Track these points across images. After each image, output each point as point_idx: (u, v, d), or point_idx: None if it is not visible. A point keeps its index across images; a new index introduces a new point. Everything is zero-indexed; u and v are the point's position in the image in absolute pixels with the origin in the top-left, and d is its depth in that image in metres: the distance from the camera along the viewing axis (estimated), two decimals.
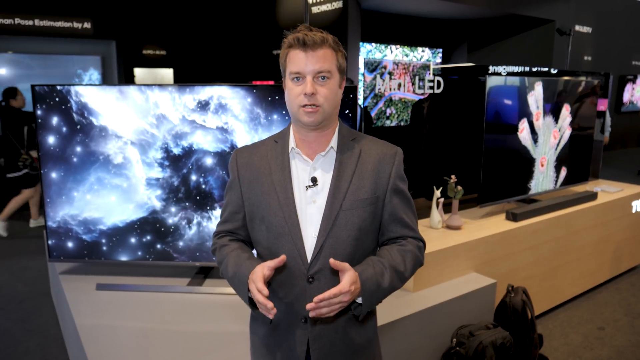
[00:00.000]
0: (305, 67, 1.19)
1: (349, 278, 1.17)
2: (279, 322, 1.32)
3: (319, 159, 1.29)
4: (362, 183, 1.28)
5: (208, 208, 2.47)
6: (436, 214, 3.00)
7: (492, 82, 3.13)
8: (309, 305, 1.16)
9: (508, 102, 3.25)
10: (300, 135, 1.30)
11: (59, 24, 7.16)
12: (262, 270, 1.19)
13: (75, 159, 2.49)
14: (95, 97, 2.43)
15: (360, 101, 3.33)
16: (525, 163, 3.43)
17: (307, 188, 1.28)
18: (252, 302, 1.27)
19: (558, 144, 3.68)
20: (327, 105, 1.23)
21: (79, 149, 2.47)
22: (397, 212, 1.33)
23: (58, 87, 2.45)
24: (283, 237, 1.27)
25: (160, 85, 2.40)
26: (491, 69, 3.86)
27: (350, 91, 2.37)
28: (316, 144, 1.29)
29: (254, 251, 1.41)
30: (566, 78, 3.83)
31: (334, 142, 1.30)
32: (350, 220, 1.26)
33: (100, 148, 2.46)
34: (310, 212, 1.27)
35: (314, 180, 1.27)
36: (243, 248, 1.36)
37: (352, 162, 1.29)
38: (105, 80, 7.78)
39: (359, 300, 1.23)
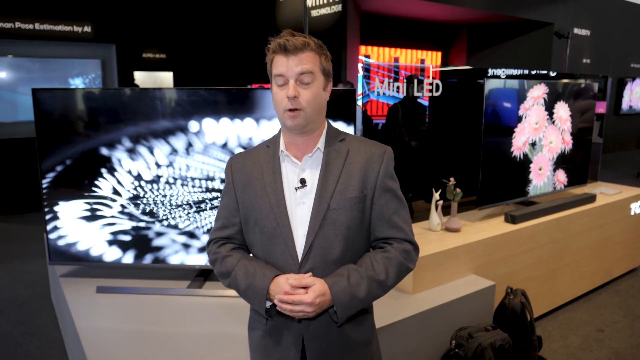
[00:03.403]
0: (287, 70, 1.22)
1: (314, 292, 1.22)
2: (275, 323, 1.34)
3: (307, 160, 1.31)
4: (350, 182, 1.30)
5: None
6: (435, 217, 3.01)
7: (490, 85, 3.14)
8: (276, 299, 1.23)
9: (506, 104, 3.27)
10: (288, 138, 1.33)
11: (59, 27, 7.17)
12: (286, 282, 1.24)
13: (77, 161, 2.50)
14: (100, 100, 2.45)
15: (360, 103, 3.35)
16: (523, 165, 3.44)
17: (296, 189, 1.30)
18: (268, 311, 1.31)
19: (557, 147, 3.69)
20: (309, 109, 1.25)
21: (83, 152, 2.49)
22: (386, 211, 1.33)
23: (58, 90, 2.46)
24: (275, 238, 1.29)
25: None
26: (490, 71, 3.88)
27: (349, 94, 2.38)
28: (304, 146, 1.32)
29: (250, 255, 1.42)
30: (565, 81, 3.85)
31: (320, 143, 1.32)
32: (339, 219, 1.28)
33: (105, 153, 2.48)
34: (300, 212, 1.29)
35: (303, 182, 1.29)
36: (247, 257, 1.36)
37: (339, 161, 1.31)
38: (105, 84, 7.80)
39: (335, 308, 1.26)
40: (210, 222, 2.49)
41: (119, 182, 2.50)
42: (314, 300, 1.20)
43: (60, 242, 2.57)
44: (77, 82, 7.61)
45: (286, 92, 1.23)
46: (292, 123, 1.25)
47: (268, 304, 1.28)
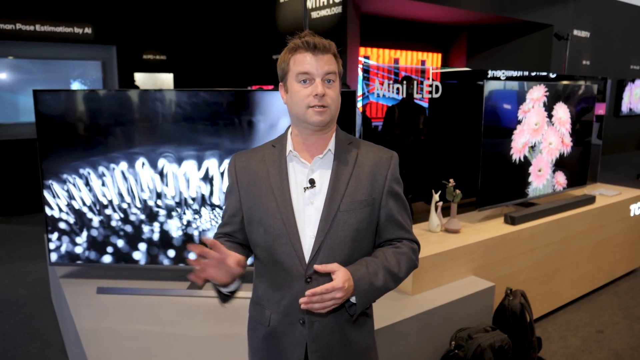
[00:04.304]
0: (316, 69, 1.23)
1: (341, 275, 1.20)
2: (277, 324, 1.33)
3: (317, 161, 1.32)
4: (359, 185, 1.31)
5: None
6: (435, 218, 3.02)
7: (490, 86, 3.15)
8: (302, 299, 1.18)
9: (506, 106, 3.28)
10: (300, 138, 1.33)
11: (60, 29, 7.19)
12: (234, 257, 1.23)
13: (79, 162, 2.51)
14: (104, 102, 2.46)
15: (359, 105, 3.36)
16: (523, 167, 3.45)
17: (305, 190, 1.30)
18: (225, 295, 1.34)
19: (556, 148, 3.69)
20: (334, 107, 1.27)
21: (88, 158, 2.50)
22: (394, 214, 1.36)
23: (59, 91, 2.47)
24: (281, 238, 1.29)
25: None
26: (490, 73, 3.89)
27: (349, 96, 2.39)
28: (315, 147, 1.32)
29: (253, 255, 1.42)
30: (565, 82, 3.86)
31: (331, 145, 1.33)
32: (348, 221, 1.29)
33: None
34: (309, 213, 1.29)
35: (312, 182, 1.30)
36: (231, 245, 1.36)
37: (349, 164, 1.32)
38: (106, 85, 7.81)
39: (353, 299, 1.25)
40: (213, 224, 2.50)
41: (123, 182, 2.50)
42: (343, 284, 1.19)
43: (61, 243, 2.58)
44: (77, 84, 7.62)
45: (312, 89, 1.23)
46: (318, 118, 1.25)
47: (227, 290, 1.31)
